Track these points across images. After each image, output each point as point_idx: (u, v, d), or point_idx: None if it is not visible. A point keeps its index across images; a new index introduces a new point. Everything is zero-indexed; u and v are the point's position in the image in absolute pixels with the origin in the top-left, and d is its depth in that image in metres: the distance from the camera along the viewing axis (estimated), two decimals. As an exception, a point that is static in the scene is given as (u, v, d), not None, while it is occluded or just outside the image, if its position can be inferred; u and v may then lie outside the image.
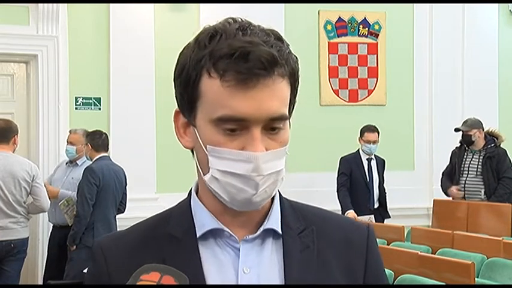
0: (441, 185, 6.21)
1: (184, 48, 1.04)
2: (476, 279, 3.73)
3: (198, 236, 1.05)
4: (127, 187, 5.30)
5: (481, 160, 5.95)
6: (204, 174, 1.03)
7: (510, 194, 5.85)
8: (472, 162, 6.01)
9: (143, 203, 5.46)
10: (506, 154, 5.99)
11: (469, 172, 6.01)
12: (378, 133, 6.04)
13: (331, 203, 5.64)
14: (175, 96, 1.06)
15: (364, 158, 6.04)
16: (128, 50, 6.15)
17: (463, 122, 6.11)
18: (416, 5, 7.18)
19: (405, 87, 7.17)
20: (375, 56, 7.08)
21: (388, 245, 4.90)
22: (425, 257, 4.03)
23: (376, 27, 7.08)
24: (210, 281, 1.02)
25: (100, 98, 6.19)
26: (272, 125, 0.99)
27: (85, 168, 5.07)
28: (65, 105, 6.05)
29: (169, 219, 1.09)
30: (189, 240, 1.05)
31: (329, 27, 6.97)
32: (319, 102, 6.90)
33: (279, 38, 1.01)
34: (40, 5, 5.89)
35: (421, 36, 7.18)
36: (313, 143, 6.63)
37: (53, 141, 5.97)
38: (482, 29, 7.35)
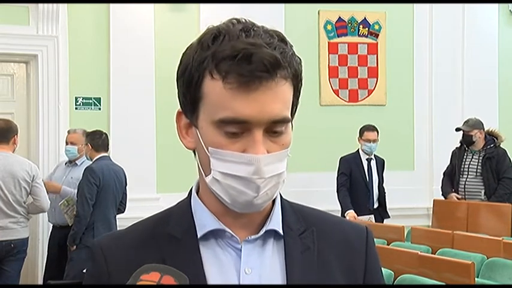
0: (441, 188, 6.21)
1: (187, 48, 1.03)
2: (476, 279, 3.73)
3: (199, 236, 1.04)
4: (127, 187, 5.30)
5: (480, 160, 5.94)
6: (206, 175, 1.02)
7: (510, 194, 5.84)
8: (471, 162, 6.00)
9: (143, 203, 5.45)
10: (506, 154, 5.98)
11: (469, 173, 6.00)
12: (378, 132, 6.04)
13: (331, 203, 5.65)
14: (178, 96, 1.05)
15: (363, 158, 6.03)
16: (128, 50, 6.14)
17: (464, 122, 6.10)
18: (416, 5, 7.18)
19: (405, 87, 7.16)
20: (375, 56, 7.08)
21: (388, 245, 4.90)
22: (425, 257, 4.02)
23: (376, 27, 7.08)
24: (211, 281, 1.02)
25: (100, 98, 6.19)
26: (274, 128, 0.99)
27: (85, 168, 5.06)
28: (65, 105, 6.05)
29: (169, 219, 1.08)
30: (190, 240, 1.04)
31: (329, 27, 6.96)
32: (319, 102, 6.90)
33: (282, 40, 1.00)
34: (40, 5, 5.88)
35: (421, 36, 7.18)
36: (313, 143, 6.61)
37: (53, 141, 5.96)
38: (482, 29, 7.34)
